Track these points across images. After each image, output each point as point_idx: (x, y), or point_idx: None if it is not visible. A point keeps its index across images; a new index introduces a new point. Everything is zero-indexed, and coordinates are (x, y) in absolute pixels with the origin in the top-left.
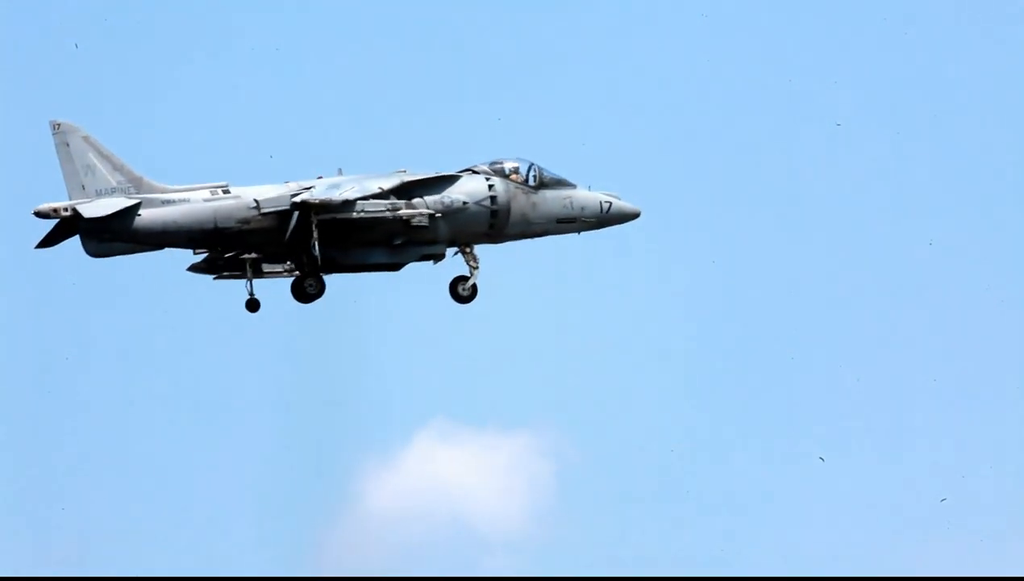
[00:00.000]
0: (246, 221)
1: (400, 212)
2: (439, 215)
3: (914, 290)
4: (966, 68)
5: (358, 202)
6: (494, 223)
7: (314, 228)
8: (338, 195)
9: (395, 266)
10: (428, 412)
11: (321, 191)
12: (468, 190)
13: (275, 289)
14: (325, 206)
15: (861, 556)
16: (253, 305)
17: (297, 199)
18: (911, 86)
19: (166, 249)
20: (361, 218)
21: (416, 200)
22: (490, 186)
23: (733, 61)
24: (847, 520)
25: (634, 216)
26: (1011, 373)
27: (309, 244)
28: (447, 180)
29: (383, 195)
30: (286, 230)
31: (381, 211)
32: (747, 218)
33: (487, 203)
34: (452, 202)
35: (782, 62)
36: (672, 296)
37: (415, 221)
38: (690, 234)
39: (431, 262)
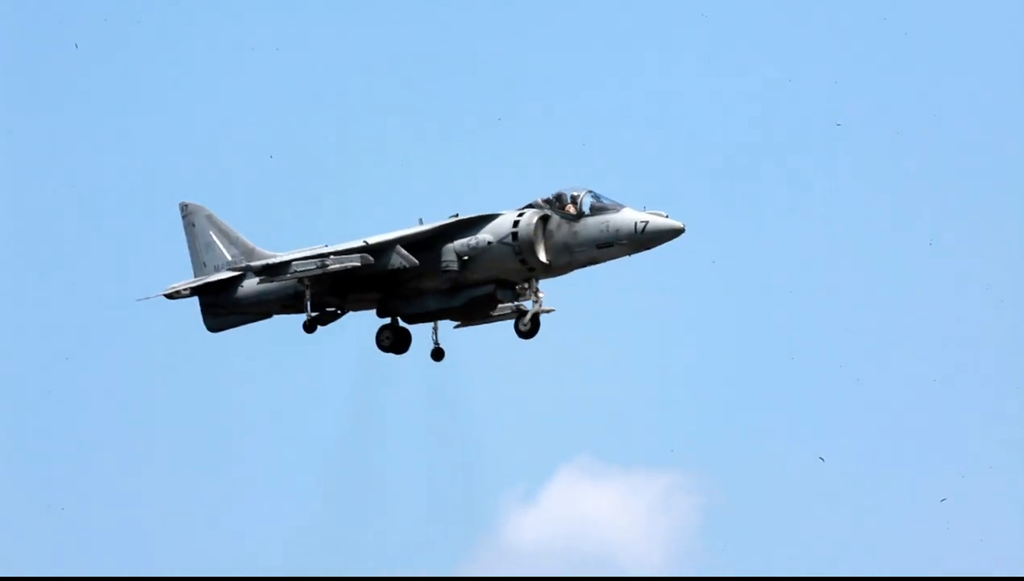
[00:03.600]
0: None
1: (329, 268)
2: (466, 258)
3: (914, 290)
4: (966, 68)
5: (293, 263)
6: (524, 258)
7: (306, 287)
8: (260, 263)
9: (455, 312)
10: (571, 450)
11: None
12: (496, 229)
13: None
14: (250, 269)
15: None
16: (438, 354)
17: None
18: (911, 86)
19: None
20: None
21: (447, 245)
22: (515, 222)
23: (733, 61)
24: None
25: (676, 232)
26: (1011, 373)
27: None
28: (486, 219)
29: (363, 249)
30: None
31: (311, 269)
32: (746, 218)
33: (509, 240)
34: (478, 243)
35: (782, 62)
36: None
37: (445, 266)
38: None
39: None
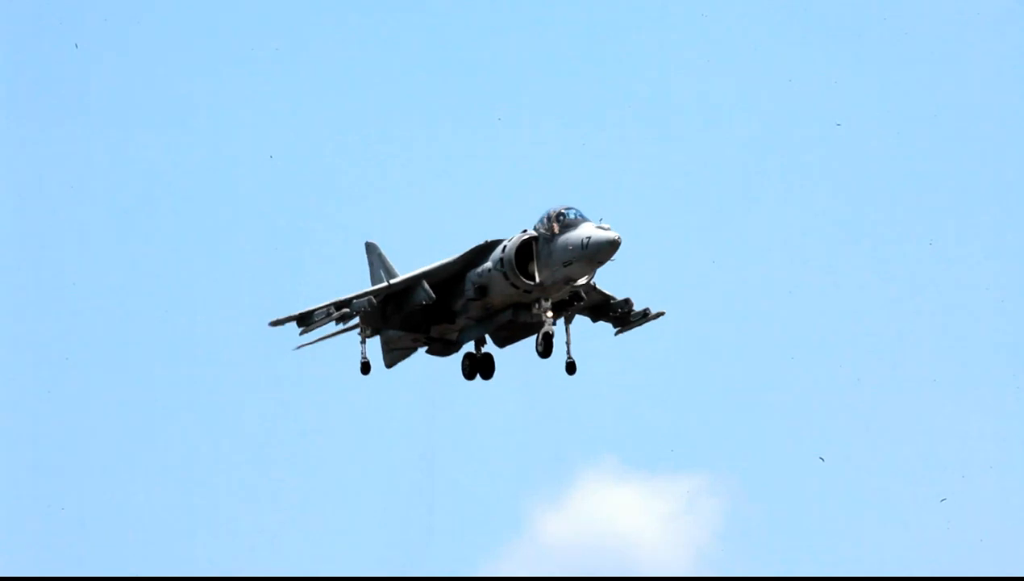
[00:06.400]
0: None
1: (334, 315)
2: (478, 286)
3: (914, 290)
4: (966, 68)
5: (314, 312)
6: (514, 283)
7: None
8: (291, 313)
9: (494, 336)
10: (596, 453)
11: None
12: (495, 255)
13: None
14: (279, 322)
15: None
16: (571, 367)
17: None
18: (911, 86)
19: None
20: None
21: (467, 274)
22: (503, 248)
23: (733, 61)
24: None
25: (612, 244)
26: (1011, 373)
27: None
28: (495, 245)
29: (380, 290)
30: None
31: (323, 317)
32: (746, 218)
33: (499, 266)
34: (483, 270)
35: (782, 62)
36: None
37: (467, 294)
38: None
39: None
